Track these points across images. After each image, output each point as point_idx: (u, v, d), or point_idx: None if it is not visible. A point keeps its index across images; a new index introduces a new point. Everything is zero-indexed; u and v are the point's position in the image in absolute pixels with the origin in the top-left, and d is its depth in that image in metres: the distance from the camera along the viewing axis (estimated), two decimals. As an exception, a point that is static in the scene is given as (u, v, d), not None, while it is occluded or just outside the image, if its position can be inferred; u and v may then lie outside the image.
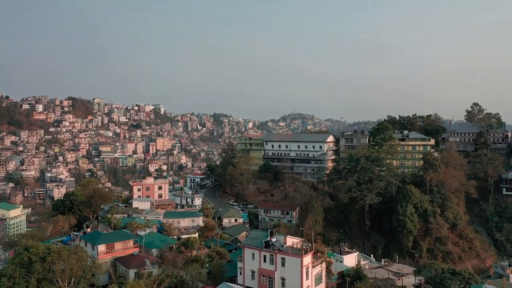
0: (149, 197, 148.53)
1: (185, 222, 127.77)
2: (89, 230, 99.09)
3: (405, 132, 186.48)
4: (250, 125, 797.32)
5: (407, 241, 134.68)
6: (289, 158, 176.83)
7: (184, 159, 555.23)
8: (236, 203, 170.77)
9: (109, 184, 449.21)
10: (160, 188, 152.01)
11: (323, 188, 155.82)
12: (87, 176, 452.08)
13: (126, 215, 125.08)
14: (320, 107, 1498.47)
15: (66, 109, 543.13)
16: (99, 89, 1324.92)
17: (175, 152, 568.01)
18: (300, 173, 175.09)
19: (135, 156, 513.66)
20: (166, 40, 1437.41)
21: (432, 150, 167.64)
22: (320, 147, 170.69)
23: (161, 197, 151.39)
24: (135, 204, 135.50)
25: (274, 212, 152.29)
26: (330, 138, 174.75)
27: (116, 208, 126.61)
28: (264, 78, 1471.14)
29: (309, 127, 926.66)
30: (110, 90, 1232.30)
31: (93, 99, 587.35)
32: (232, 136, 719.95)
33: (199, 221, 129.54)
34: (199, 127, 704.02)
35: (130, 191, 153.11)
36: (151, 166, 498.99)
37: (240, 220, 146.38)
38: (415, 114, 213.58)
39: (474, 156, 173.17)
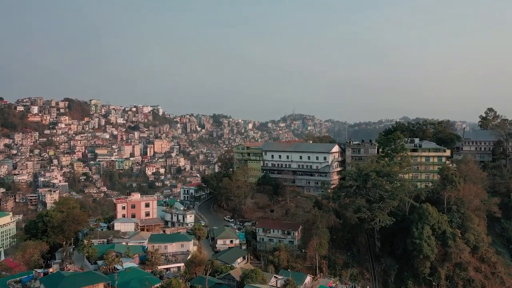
0: (134, 216, 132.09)
1: (173, 247, 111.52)
2: (51, 270, 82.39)
3: (416, 140, 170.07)
4: (250, 126, 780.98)
5: (424, 267, 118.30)
6: (291, 170, 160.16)
7: (182, 162, 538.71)
8: (232, 219, 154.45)
9: (105, 188, 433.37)
10: (147, 205, 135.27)
11: (328, 205, 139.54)
12: (82, 180, 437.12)
13: (105, 241, 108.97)
14: (320, 107, 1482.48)
15: (62, 110, 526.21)
16: (97, 90, 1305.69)
17: (173, 154, 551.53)
18: (302, 187, 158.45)
19: (132, 159, 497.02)
20: (165, 40, 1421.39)
21: (448, 161, 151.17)
22: (325, 158, 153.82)
23: (149, 215, 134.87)
24: (117, 226, 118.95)
25: (274, 232, 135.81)
26: (335, 148, 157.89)
27: (95, 232, 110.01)
28: (264, 78, 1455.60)
29: (309, 127, 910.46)
30: (108, 91, 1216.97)
31: (90, 100, 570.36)
32: (232, 137, 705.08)
33: (189, 245, 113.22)
34: (198, 129, 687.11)
35: (114, 209, 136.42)
36: (148, 169, 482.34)
37: (236, 241, 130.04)
38: (426, 120, 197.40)
39: (493, 168, 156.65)
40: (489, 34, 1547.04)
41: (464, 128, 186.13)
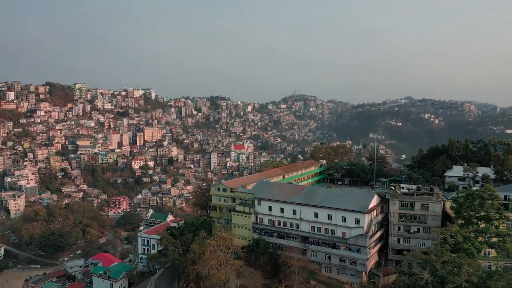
0: None
1: None
2: None
3: (486, 172, 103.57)
4: (250, 108, 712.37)
5: None
6: (299, 234, 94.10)
7: (175, 151, 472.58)
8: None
9: (85, 186, 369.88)
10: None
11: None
12: (60, 176, 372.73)
13: None
14: (322, 88, 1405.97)
15: (42, 96, 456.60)
16: (84, 74, 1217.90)
17: (165, 143, 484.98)
18: (319, 263, 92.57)
19: (117, 150, 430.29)
20: (160, 18, 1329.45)
21: None
22: (357, 220, 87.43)
23: None
24: None
25: None
26: (374, 201, 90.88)
27: None
28: (264, 59, 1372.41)
29: (311, 109, 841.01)
30: (96, 74, 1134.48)
31: (74, 84, 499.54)
32: (230, 121, 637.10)
33: None
34: (194, 112, 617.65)
35: None
36: (135, 162, 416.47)
37: None
38: (494, 138, 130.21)
39: None
40: (492, 14, 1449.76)
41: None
